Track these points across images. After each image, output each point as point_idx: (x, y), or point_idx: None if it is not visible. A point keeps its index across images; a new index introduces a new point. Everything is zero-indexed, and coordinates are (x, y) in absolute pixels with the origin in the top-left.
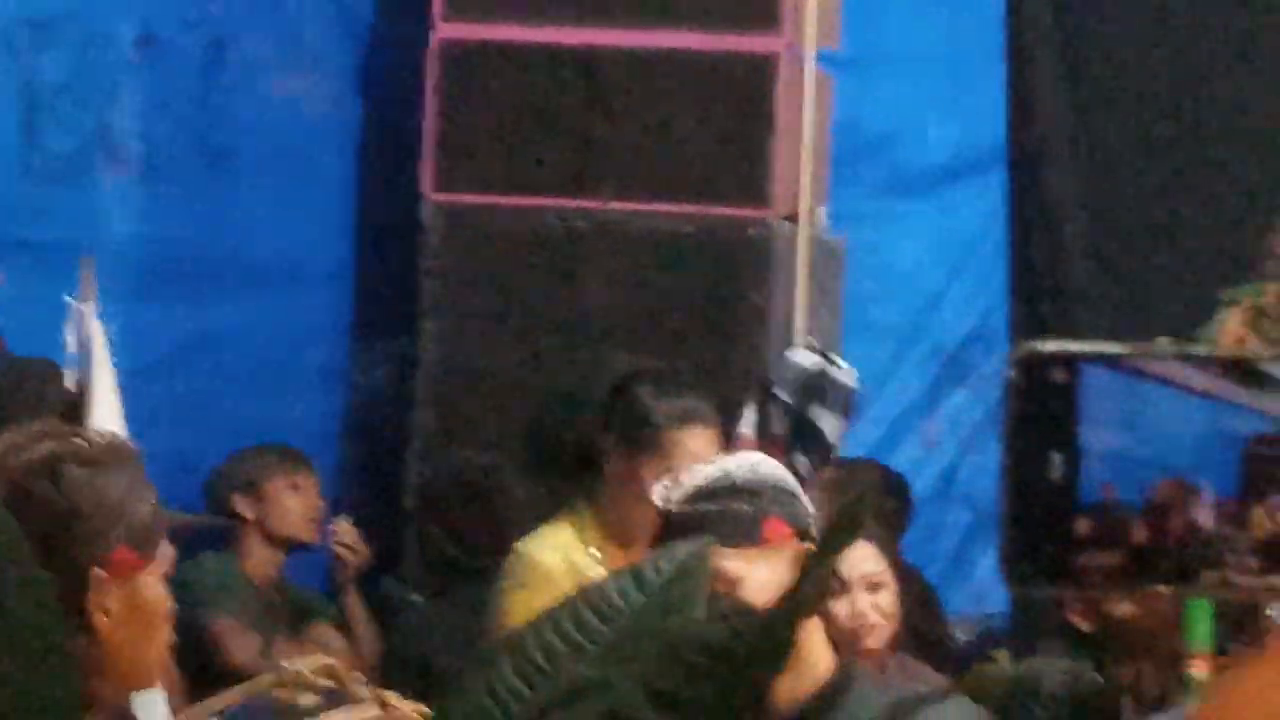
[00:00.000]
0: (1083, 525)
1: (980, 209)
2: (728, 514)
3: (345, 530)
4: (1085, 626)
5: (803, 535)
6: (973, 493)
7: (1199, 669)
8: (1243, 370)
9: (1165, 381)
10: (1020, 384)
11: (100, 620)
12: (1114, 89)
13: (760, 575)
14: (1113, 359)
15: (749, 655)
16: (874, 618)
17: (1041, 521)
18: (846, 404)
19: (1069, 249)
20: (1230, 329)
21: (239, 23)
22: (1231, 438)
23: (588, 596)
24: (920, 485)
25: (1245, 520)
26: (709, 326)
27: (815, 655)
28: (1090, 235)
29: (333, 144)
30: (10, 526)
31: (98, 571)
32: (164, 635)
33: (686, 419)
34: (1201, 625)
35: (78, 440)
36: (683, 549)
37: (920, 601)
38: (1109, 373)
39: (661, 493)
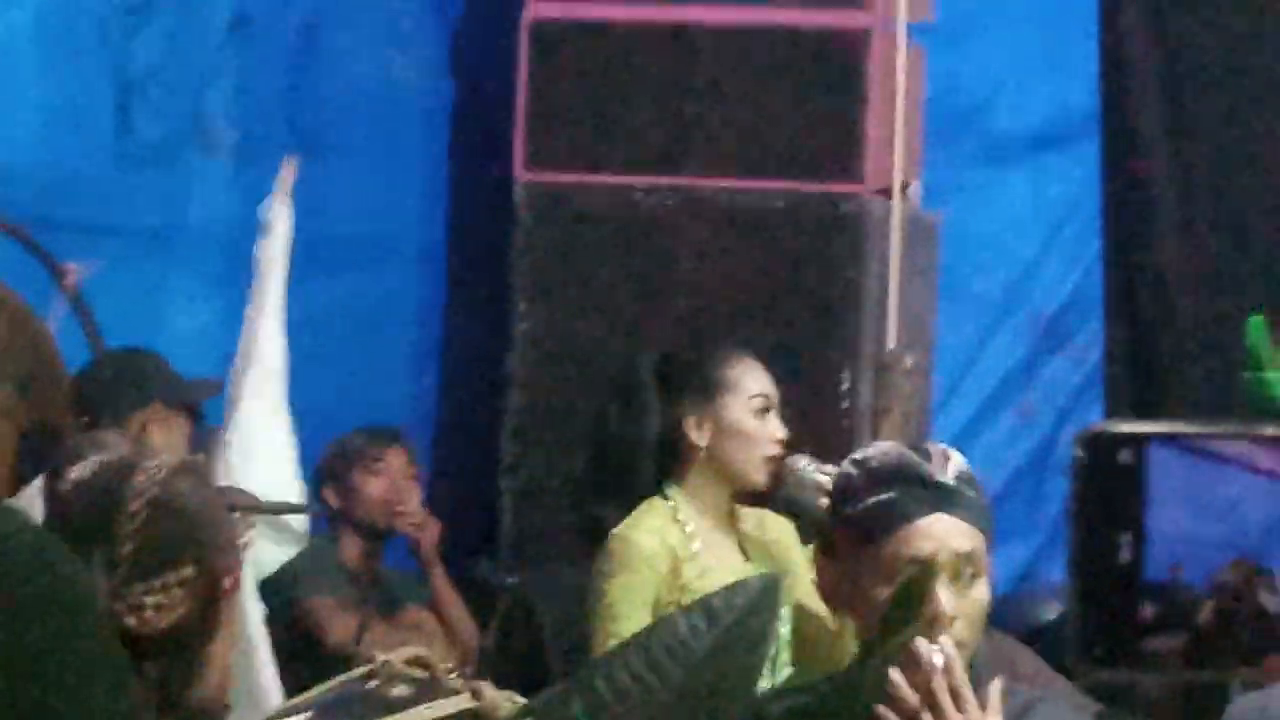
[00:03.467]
0: (1149, 608)
1: (1074, 176)
2: None
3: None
4: None
5: None
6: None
7: None
8: None
9: (1234, 461)
10: (1087, 464)
11: (225, 633)
12: (1208, 56)
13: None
14: (1181, 439)
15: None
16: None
17: (1109, 603)
18: None
19: (1161, 218)
20: None
21: (331, 4)
22: None
23: (659, 633)
24: (1018, 455)
25: None
26: (802, 303)
27: None
28: (1181, 204)
29: (424, 125)
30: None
31: (228, 583)
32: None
33: (725, 356)
34: None
35: (186, 459)
36: (755, 583)
37: None
38: (1177, 452)
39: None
